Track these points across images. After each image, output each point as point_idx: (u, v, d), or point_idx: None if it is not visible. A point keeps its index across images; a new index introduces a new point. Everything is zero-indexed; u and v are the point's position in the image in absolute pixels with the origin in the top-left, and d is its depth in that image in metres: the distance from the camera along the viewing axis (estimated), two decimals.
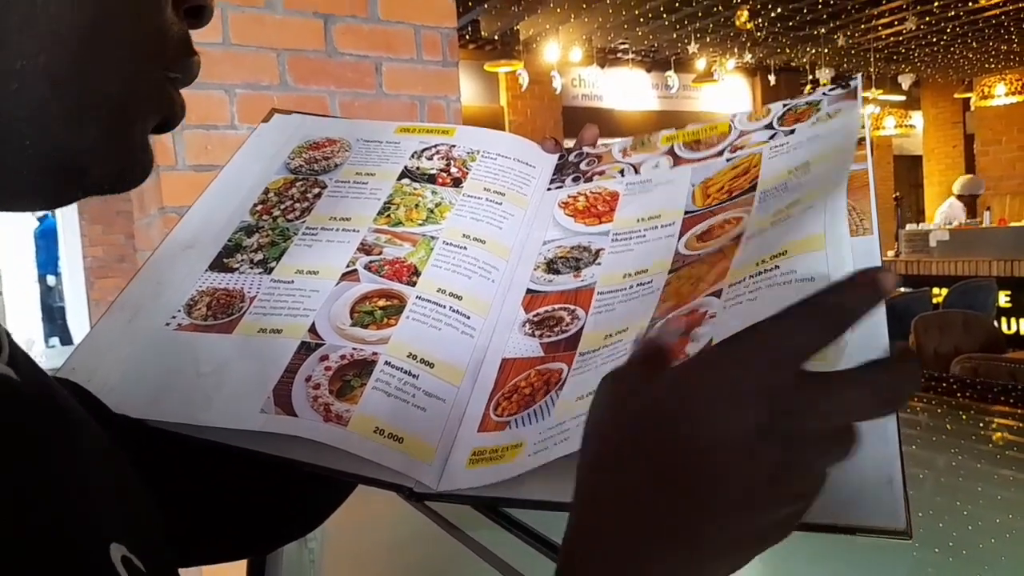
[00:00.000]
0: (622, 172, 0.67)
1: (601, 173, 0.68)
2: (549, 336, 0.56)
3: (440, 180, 0.69)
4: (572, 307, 0.57)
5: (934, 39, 7.73)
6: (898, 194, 8.85)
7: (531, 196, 0.68)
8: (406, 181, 0.69)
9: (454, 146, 0.72)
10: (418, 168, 0.70)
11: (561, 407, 0.49)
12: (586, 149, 0.71)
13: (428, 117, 2.00)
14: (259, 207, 0.68)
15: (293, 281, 0.61)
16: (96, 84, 0.31)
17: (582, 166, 0.70)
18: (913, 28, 6.86)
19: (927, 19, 6.83)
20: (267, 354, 0.56)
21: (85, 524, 0.33)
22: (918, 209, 11.72)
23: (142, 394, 0.52)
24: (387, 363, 0.55)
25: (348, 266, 0.62)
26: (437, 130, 0.75)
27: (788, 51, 8.16)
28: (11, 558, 0.27)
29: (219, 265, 0.63)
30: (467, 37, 7.03)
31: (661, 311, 0.51)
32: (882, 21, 6.89)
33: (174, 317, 0.58)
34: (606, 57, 8.19)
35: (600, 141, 0.72)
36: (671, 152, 0.66)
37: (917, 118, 11.06)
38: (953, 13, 6.65)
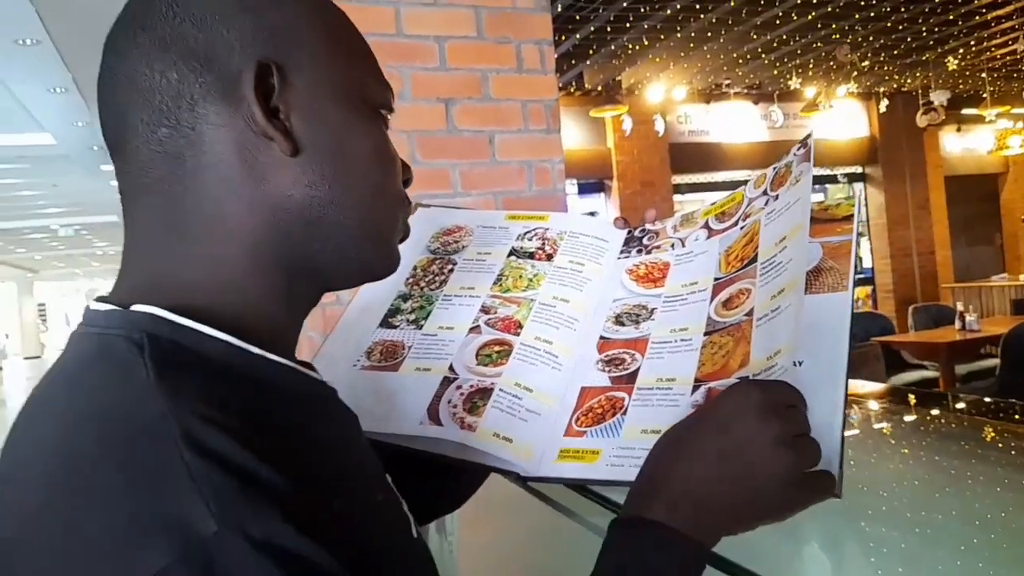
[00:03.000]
0: (673, 246, 0.81)
1: (658, 247, 0.81)
2: (615, 372, 0.70)
3: (538, 256, 0.85)
4: (632, 352, 0.71)
5: None
6: None
7: (604, 264, 0.82)
8: (513, 258, 0.85)
9: (548, 229, 0.88)
10: (522, 247, 0.86)
11: (628, 431, 0.63)
12: (647, 226, 0.85)
13: (535, 178, 2.19)
14: (410, 280, 0.84)
15: (437, 335, 0.77)
16: (380, 225, 0.54)
17: (644, 240, 0.83)
18: (1023, 50, 6.56)
19: None
20: (421, 386, 0.72)
21: (380, 466, 0.55)
22: None
23: None
24: (501, 390, 0.70)
25: (473, 323, 0.78)
26: (536, 217, 0.91)
27: (897, 77, 7.87)
28: (366, 481, 0.50)
29: (385, 323, 0.80)
30: (572, 87, 7.21)
31: (702, 374, 0.65)
32: (994, 42, 6.59)
33: (359, 361, 0.76)
34: (711, 93, 8.07)
35: (659, 222, 0.87)
36: (706, 225, 0.80)
37: None
38: None
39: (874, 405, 1.35)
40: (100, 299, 0.48)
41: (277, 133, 0.48)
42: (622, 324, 0.75)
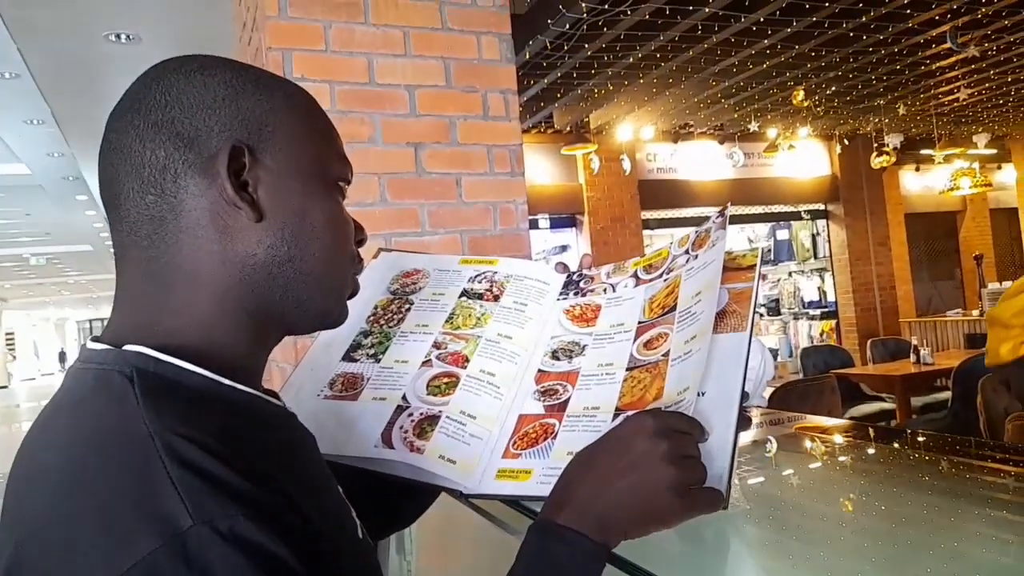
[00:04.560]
0: (605, 290, 0.87)
1: (592, 291, 0.88)
2: (549, 401, 0.76)
3: (486, 297, 0.91)
4: (565, 383, 0.77)
5: (1000, 101, 7.56)
6: (978, 253, 8.61)
7: (545, 305, 0.89)
8: (464, 299, 0.91)
9: (496, 272, 0.94)
10: (472, 289, 0.93)
11: (556, 453, 0.69)
12: (584, 272, 0.92)
13: (500, 218, 2.29)
14: (371, 318, 0.90)
15: (393, 367, 0.83)
16: (331, 281, 0.61)
17: (580, 284, 0.90)
18: (966, 98, 6.75)
19: (986, 85, 6.74)
20: (377, 413, 0.78)
21: (333, 479, 0.61)
22: (1016, 263, 11.03)
23: None
24: (447, 417, 0.76)
25: (426, 357, 0.84)
26: (486, 261, 0.97)
27: (852, 121, 8.10)
28: (319, 490, 0.56)
29: (347, 357, 0.85)
30: (543, 126, 7.38)
31: (622, 404, 0.71)
32: (941, 90, 6.83)
33: (322, 391, 0.82)
34: (677, 133, 8.22)
35: (595, 268, 0.94)
36: (635, 275, 0.87)
37: (1011, 170, 10.60)
38: (1012, 78, 6.55)
39: (837, 439, 1.38)
40: (95, 339, 0.56)
41: (244, 204, 0.56)
42: (557, 359, 0.81)
